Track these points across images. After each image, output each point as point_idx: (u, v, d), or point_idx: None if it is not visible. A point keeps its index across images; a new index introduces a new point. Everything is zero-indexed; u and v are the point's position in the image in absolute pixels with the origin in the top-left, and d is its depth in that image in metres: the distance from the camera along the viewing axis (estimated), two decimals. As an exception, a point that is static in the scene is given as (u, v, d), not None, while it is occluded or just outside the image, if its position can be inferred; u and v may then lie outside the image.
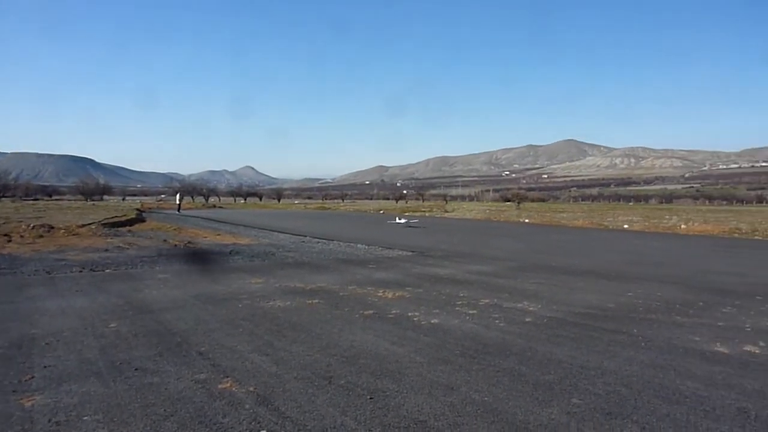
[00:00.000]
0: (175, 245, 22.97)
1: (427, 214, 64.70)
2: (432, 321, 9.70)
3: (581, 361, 7.41)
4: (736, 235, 34.86)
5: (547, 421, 5.48)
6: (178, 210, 66.28)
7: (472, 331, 9.05)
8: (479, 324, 9.53)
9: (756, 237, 33.39)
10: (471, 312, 10.48)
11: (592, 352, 7.86)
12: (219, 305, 10.88)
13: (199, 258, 18.93)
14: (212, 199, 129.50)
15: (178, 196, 76.97)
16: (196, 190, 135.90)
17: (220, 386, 6.26)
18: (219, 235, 29.53)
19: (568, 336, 8.77)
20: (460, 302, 11.42)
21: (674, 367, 7.23)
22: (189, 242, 24.43)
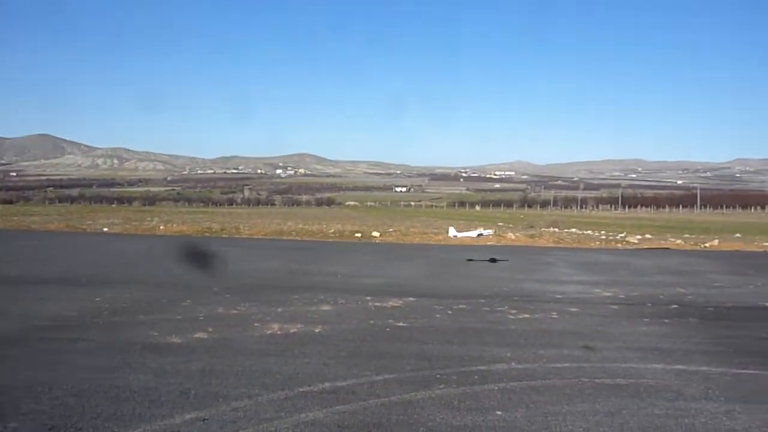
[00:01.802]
0: None
1: None
2: None
3: (25, 380, 6.77)
4: (207, 234, 38.86)
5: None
6: None
7: None
8: None
9: (224, 235, 38.09)
10: None
11: (37, 368, 7.29)
12: None
13: None
14: None
15: None
16: None
17: None
18: None
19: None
20: None
21: (128, 364, 7.43)
22: None
